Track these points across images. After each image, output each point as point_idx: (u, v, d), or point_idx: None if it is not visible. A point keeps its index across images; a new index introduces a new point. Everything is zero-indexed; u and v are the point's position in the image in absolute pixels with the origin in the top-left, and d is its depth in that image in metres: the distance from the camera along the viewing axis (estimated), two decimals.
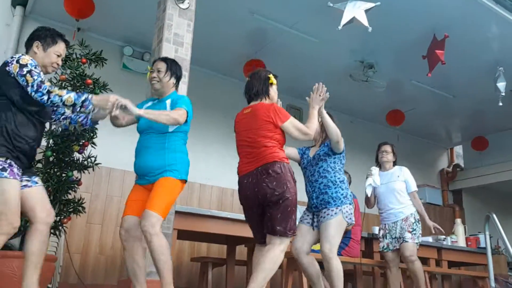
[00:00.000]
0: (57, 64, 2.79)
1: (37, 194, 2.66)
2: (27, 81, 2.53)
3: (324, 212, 3.35)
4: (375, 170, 4.35)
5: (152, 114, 2.80)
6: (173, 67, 3.09)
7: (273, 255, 2.81)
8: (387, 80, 6.15)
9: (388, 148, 4.58)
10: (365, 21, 4.27)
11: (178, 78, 3.12)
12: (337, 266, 3.22)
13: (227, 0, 4.75)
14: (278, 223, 2.83)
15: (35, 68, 2.58)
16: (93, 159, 3.56)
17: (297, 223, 2.98)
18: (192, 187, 5.86)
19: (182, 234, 4.16)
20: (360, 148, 6.78)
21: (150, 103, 3.11)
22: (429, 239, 5.50)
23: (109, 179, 5.28)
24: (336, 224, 3.29)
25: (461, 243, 5.91)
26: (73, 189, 3.44)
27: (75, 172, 3.46)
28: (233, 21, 5.13)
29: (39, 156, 3.20)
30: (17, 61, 2.57)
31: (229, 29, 5.28)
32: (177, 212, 3.68)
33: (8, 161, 2.51)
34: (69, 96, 2.55)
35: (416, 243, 4.26)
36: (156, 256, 2.70)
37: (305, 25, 5.14)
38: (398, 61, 5.86)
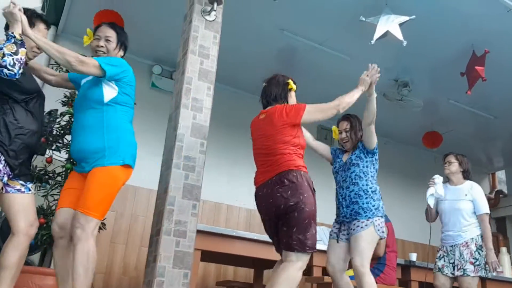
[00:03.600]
0: (38, 48, 2.55)
1: (24, 201, 2.49)
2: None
3: (354, 224, 3.14)
4: (438, 179, 3.87)
5: (42, 42, 2.39)
6: (122, 36, 2.73)
7: (287, 274, 2.56)
8: (423, 100, 5.89)
9: (451, 158, 4.08)
10: (399, 35, 4.10)
11: (125, 50, 2.77)
12: (370, 283, 2.96)
13: (256, 16, 4.68)
14: (293, 237, 2.58)
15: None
16: None
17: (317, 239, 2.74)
18: (219, 208, 5.72)
19: (207, 256, 4.00)
20: (394, 171, 6.51)
21: (90, 77, 2.65)
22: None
23: (135, 198, 5.20)
24: (367, 237, 3.07)
25: (507, 273, 5.49)
26: None
27: None
28: (262, 38, 5.04)
29: (59, 170, 3.14)
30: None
31: (258, 46, 5.19)
32: (201, 232, 3.53)
33: None
34: (7, 45, 2.30)
35: (479, 276, 3.75)
36: (75, 264, 2.33)
37: (336, 42, 5.00)
38: (434, 79, 5.61)
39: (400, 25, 4.08)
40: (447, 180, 4.11)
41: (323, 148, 3.50)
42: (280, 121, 2.75)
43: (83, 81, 2.71)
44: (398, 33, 4.08)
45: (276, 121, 2.77)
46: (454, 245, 3.87)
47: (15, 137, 2.41)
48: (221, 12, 3.52)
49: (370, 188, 3.21)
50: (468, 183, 4.01)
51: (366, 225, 3.09)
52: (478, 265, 3.75)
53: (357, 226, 3.12)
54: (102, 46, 2.66)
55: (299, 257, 2.61)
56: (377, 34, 4.08)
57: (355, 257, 3.04)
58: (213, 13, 3.42)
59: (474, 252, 3.78)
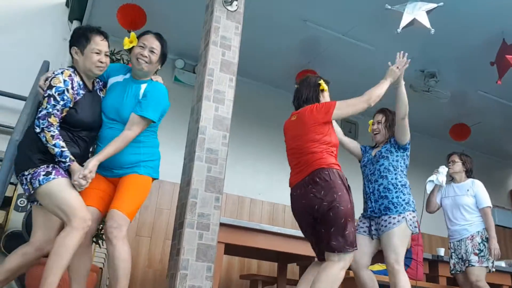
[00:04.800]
0: (101, 62, 2.56)
1: (48, 217, 2.51)
2: (42, 103, 2.43)
3: (386, 221, 3.06)
4: (442, 168, 3.93)
5: (111, 149, 2.48)
6: (166, 49, 2.75)
7: (330, 273, 2.52)
8: (451, 91, 5.73)
9: (455, 157, 4.21)
10: (427, 23, 3.97)
11: (164, 60, 2.81)
12: (405, 280, 2.91)
13: (278, 7, 4.61)
14: (332, 237, 2.54)
15: (59, 95, 2.41)
16: None
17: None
18: (243, 202, 5.70)
19: (231, 249, 3.98)
20: (420, 165, 6.31)
21: (120, 78, 2.72)
22: (502, 263, 4.98)
23: (159, 191, 5.22)
24: (400, 233, 3.00)
25: None
26: None
27: None
28: (284, 29, 4.97)
29: None
30: (52, 79, 2.44)
31: (280, 38, 5.13)
32: (224, 225, 3.51)
33: (51, 165, 2.41)
34: (53, 149, 2.38)
35: (486, 266, 3.83)
36: (117, 262, 2.40)
37: (361, 32, 4.89)
38: (462, 69, 5.44)
39: (428, 12, 3.96)
40: (451, 179, 4.24)
41: (353, 144, 3.45)
42: (311, 120, 2.74)
43: (112, 80, 2.73)
44: (425, 21, 3.95)
45: (307, 120, 2.76)
46: (461, 240, 3.98)
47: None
48: (243, 2, 3.47)
49: (400, 182, 3.14)
50: (470, 180, 4.16)
51: (398, 221, 3.02)
52: (482, 256, 3.83)
53: (389, 223, 3.04)
54: (146, 57, 2.66)
55: (341, 257, 2.57)
56: (403, 23, 3.96)
57: (390, 254, 2.98)
58: (234, 3, 3.37)
59: (479, 244, 3.87)
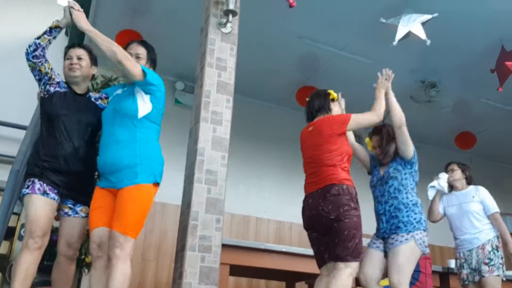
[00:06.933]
0: (71, 64, 2.78)
1: (69, 225, 2.63)
2: None
3: (393, 238, 3.01)
4: (442, 174, 3.92)
5: (95, 35, 2.53)
6: (152, 54, 2.81)
7: (339, 280, 2.62)
8: (453, 100, 5.72)
9: (453, 166, 4.13)
10: (422, 35, 3.98)
11: (155, 66, 2.83)
12: None
13: (273, 25, 4.65)
14: (336, 248, 2.68)
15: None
16: None
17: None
18: (248, 220, 5.68)
19: (237, 270, 3.94)
20: (427, 175, 6.26)
21: (120, 91, 2.77)
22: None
23: (163, 214, 5.22)
24: (407, 251, 2.94)
25: None
26: None
27: None
28: (282, 47, 5.01)
29: None
30: None
31: (278, 55, 5.17)
32: (228, 246, 3.47)
33: (32, 179, 2.54)
34: (41, 35, 2.63)
35: (497, 275, 3.69)
36: (113, 285, 2.33)
37: (357, 46, 4.92)
38: (463, 77, 5.42)
39: (423, 24, 3.98)
40: (451, 188, 4.12)
41: (363, 153, 3.40)
42: (328, 130, 2.86)
43: (113, 94, 2.80)
44: (421, 33, 3.97)
45: (324, 130, 2.88)
46: (472, 249, 3.84)
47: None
48: (237, 24, 3.50)
49: (411, 201, 3.09)
50: (473, 186, 4.05)
51: (406, 239, 2.96)
52: (492, 265, 3.71)
53: (396, 240, 2.99)
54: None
55: (347, 264, 2.67)
56: (399, 35, 3.98)
57: (393, 274, 2.90)
58: (228, 25, 3.40)
59: (489, 252, 3.75)
